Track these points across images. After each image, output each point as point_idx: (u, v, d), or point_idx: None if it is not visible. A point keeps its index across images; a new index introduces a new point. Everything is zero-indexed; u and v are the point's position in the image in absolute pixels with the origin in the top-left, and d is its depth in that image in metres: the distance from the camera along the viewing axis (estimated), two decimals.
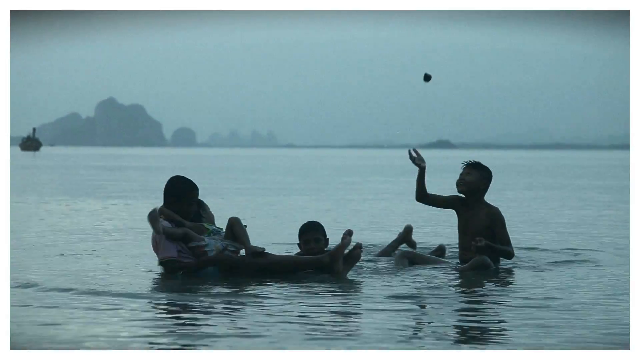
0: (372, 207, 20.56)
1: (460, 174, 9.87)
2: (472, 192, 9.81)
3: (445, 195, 10.03)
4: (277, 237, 12.77)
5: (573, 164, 76.62)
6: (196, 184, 9.08)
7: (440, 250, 10.73)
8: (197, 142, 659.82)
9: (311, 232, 9.54)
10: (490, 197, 9.95)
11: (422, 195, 9.88)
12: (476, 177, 9.82)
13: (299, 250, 9.76)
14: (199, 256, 8.93)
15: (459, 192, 9.90)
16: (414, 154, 9.88)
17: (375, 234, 13.69)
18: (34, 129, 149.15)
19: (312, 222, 9.73)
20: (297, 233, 9.61)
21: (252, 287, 8.27)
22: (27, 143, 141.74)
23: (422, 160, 9.83)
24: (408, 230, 11.11)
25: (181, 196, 8.97)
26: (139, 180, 35.45)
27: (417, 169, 9.86)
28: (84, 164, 63.61)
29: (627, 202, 21.42)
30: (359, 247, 8.94)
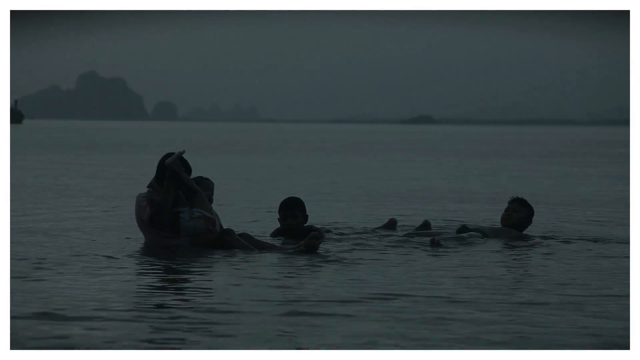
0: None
1: (507, 209, 10.16)
2: (516, 227, 10.13)
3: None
4: None
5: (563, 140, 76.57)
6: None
7: (425, 226, 10.98)
8: (178, 115, 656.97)
9: (289, 208, 9.76)
10: None
11: None
12: (524, 214, 10.15)
13: (278, 224, 10.01)
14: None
15: (504, 225, 10.14)
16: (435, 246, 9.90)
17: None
18: (16, 101, 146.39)
19: (292, 197, 9.94)
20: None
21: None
22: (10, 115, 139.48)
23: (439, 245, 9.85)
24: (393, 222, 11.31)
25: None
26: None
27: None
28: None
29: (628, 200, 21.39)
30: (315, 237, 9.01)
